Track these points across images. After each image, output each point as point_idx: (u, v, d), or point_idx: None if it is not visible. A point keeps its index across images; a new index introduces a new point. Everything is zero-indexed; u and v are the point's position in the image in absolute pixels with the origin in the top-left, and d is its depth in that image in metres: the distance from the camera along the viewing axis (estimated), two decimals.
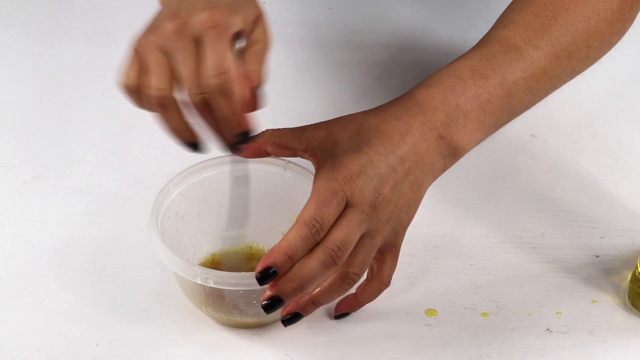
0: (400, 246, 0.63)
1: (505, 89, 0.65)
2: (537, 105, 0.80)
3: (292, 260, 0.57)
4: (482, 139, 0.66)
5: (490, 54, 0.66)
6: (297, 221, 0.57)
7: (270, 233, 0.67)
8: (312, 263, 0.57)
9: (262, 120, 0.64)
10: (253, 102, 0.58)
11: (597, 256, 0.68)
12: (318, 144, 0.62)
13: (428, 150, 0.62)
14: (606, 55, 0.85)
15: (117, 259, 0.69)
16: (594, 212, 0.71)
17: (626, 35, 0.87)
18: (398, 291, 0.67)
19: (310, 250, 0.58)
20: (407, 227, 0.63)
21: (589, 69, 0.83)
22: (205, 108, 0.58)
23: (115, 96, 0.83)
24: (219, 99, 0.56)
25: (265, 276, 0.56)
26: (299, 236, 0.57)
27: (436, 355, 0.63)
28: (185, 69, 0.57)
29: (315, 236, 0.57)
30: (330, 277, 0.59)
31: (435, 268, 0.68)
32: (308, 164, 0.63)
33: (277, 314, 0.60)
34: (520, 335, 0.64)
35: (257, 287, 0.57)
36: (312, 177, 0.62)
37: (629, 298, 0.65)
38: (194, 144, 0.60)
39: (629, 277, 0.66)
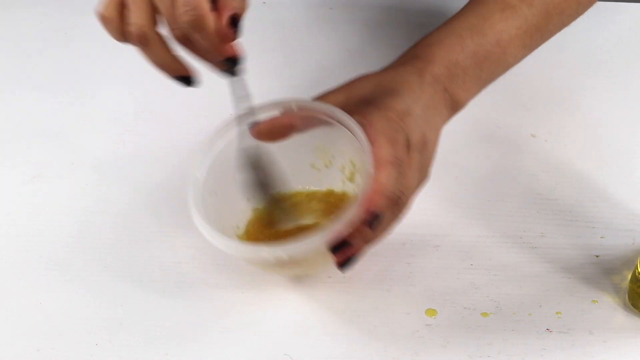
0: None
1: (501, 46, 0.69)
2: (537, 105, 0.80)
3: (391, 201, 0.59)
4: (478, 93, 0.70)
5: (487, 12, 0.70)
6: (381, 163, 0.59)
7: (301, 170, 0.68)
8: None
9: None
10: (230, 33, 0.58)
11: (597, 256, 0.68)
12: (342, 106, 0.64)
13: (440, 100, 0.66)
14: (607, 56, 0.85)
15: (117, 258, 0.69)
16: (594, 212, 0.71)
17: (626, 36, 0.88)
18: (398, 291, 0.67)
19: None
20: (432, 168, 0.66)
21: (590, 71, 0.83)
22: (188, 41, 0.58)
23: (115, 96, 0.84)
24: (194, 34, 0.57)
25: (375, 221, 0.58)
26: (392, 178, 0.59)
27: (436, 355, 0.63)
28: (161, 4, 0.57)
29: (402, 174, 0.60)
30: None
31: (435, 268, 0.68)
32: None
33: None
34: (520, 335, 0.64)
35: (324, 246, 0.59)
36: (322, 105, 0.63)
37: (629, 298, 0.65)
38: (184, 78, 0.60)
39: (629, 277, 0.66)
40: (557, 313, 0.65)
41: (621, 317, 0.65)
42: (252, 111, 0.63)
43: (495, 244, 0.70)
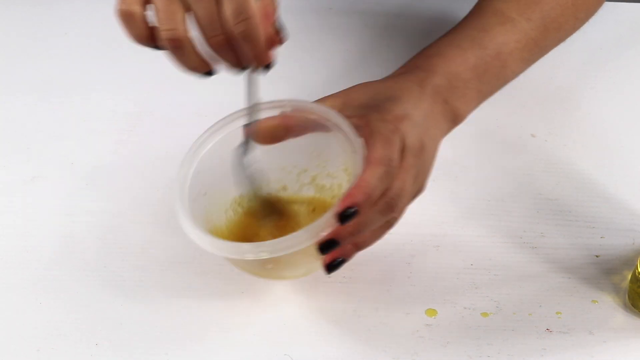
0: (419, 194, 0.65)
1: (501, 59, 0.69)
2: (537, 105, 0.80)
3: (371, 199, 0.57)
4: (477, 106, 0.69)
5: (487, 25, 0.70)
6: (370, 161, 0.58)
7: (287, 175, 0.68)
8: (372, 209, 0.58)
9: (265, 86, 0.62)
10: (278, 38, 0.56)
11: (597, 256, 0.68)
12: (339, 111, 0.62)
13: (439, 112, 0.65)
14: (607, 56, 0.85)
15: (117, 258, 0.69)
16: (594, 212, 0.71)
17: (626, 36, 0.88)
18: (398, 291, 0.67)
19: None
20: (429, 179, 0.65)
21: (590, 71, 0.83)
22: (224, 48, 0.55)
23: (115, 96, 0.84)
24: (244, 43, 0.54)
25: (347, 215, 0.56)
26: (376, 176, 0.57)
27: (436, 355, 0.63)
28: (202, 10, 0.53)
29: (390, 174, 0.58)
30: None
31: (435, 268, 0.68)
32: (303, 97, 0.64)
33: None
34: (520, 335, 0.64)
35: (309, 243, 0.57)
36: (317, 106, 0.62)
37: (629, 298, 0.65)
38: (207, 73, 0.57)
39: (629, 277, 0.66)
40: (557, 313, 0.65)
41: (621, 317, 0.65)
42: (247, 111, 0.60)
43: (495, 244, 0.70)
